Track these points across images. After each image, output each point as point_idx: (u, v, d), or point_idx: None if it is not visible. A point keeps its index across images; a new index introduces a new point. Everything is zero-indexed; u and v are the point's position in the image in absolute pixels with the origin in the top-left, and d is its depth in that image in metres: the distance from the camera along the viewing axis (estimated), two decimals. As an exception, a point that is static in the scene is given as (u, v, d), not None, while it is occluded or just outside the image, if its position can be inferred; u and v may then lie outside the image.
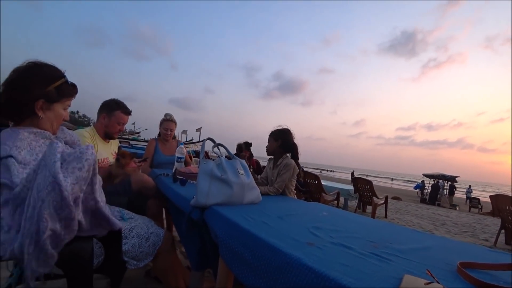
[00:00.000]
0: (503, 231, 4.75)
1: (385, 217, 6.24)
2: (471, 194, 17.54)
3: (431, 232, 5.15)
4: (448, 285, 0.59)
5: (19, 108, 1.02)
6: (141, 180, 1.92)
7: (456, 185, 18.65)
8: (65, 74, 1.10)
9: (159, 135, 2.94)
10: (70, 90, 1.12)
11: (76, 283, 0.93)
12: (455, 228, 6.23)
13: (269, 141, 2.12)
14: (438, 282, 0.59)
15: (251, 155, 5.30)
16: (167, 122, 2.82)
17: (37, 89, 1.02)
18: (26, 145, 0.95)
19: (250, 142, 5.27)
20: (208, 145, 1.52)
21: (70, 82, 1.12)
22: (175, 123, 2.88)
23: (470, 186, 19.38)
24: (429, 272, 0.65)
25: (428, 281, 0.59)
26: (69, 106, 1.16)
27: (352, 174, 28.85)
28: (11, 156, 0.89)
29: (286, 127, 2.13)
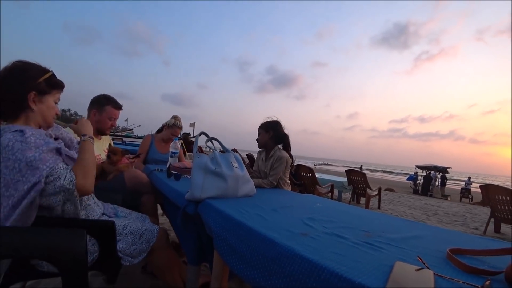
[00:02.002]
0: (492, 219, 4.87)
1: (379, 208, 6.33)
2: (471, 185, 17.72)
3: (423, 222, 5.25)
4: (438, 271, 0.60)
5: (12, 104, 1.07)
6: (134, 176, 1.90)
7: (447, 176, 18.95)
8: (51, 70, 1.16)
9: (158, 131, 2.86)
10: (58, 82, 1.18)
11: (71, 280, 0.92)
12: (447, 217, 6.36)
13: (259, 133, 2.12)
14: (428, 268, 0.61)
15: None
16: (177, 128, 2.72)
17: (28, 82, 1.07)
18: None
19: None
20: (202, 140, 1.51)
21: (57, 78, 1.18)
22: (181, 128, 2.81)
23: (469, 177, 19.67)
24: (420, 259, 0.67)
25: (419, 267, 0.60)
26: (59, 99, 1.21)
27: (361, 168, 30.14)
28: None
29: (275, 119, 2.14)
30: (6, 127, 1.01)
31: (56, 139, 1.23)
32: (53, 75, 1.16)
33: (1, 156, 0.93)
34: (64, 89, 1.22)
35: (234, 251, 0.90)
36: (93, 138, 1.24)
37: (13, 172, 0.93)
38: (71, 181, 1.01)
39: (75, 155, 1.21)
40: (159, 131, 2.86)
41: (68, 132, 1.32)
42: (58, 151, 1.07)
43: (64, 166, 1.03)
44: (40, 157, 0.97)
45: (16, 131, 0.99)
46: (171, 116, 2.76)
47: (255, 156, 2.38)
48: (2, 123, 1.08)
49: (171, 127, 2.70)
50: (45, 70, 1.14)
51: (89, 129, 1.30)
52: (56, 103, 1.19)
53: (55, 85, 1.17)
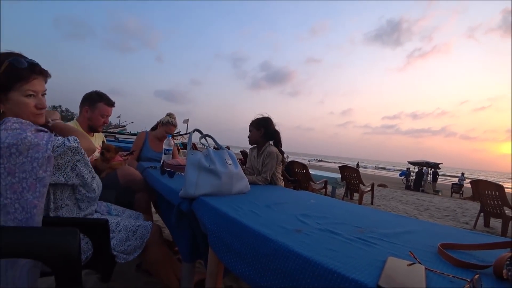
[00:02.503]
0: (482, 214, 4.97)
1: (372, 203, 6.40)
2: (464, 181, 17.94)
3: (416, 217, 5.33)
4: (430, 266, 0.61)
5: None
6: (128, 173, 1.89)
7: (439, 172, 19.25)
8: (16, 57, 0.97)
9: (152, 128, 2.81)
10: (20, 72, 0.97)
11: (65, 279, 0.92)
12: (438, 212, 6.47)
13: (251, 130, 2.12)
14: (420, 263, 0.62)
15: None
16: (171, 126, 2.67)
17: None
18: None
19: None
20: (196, 137, 1.51)
21: (28, 60, 0.99)
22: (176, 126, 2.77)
23: (463, 173, 19.97)
24: (412, 253, 0.68)
25: (410, 262, 0.61)
26: (35, 91, 1.01)
27: (357, 165, 31.06)
28: None
29: (266, 115, 2.14)
30: None
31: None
32: (11, 64, 0.94)
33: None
34: (55, 85, 1.15)
35: (229, 248, 0.90)
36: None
37: (13, 158, 0.88)
38: (75, 139, 1.03)
39: None
40: (153, 128, 2.82)
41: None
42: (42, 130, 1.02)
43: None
44: (35, 134, 0.93)
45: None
46: (165, 114, 2.72)
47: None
48: None
49: (165, 125, 2.66)
50: (0, 61, 0.94)
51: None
52: (30, 95, 1.00)
53: (16, 77, 0.96)
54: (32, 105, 1.01)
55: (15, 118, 0.96)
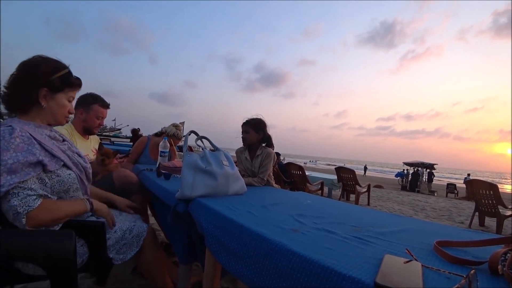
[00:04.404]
0: (477, 213, 5.01)
1: (368, 204, 6.43)
2: None
3: (412, 217, 5.35)
4: (426, 262, 0.62)
5: (23, 99, 1.05)
6: (123, 175, 1.88)
7: (434, 172, 19.42)
8: (69, 67, 1.15)
9: (156, 134, 2.70)
10: (73, 81, 1.16)
11: (60, 283, 0.90)
12: (434, 212, 6.51)
13: (248, 131, 2.06)
14: (416, 260, 0.62)
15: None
16: (176, 140, 2.60)
17: (41, 78, 1.05)
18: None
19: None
20: (192, 140, 1.50)
21: (74, 75, 1.17)
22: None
23: (469, 174, 20.18)
24: (408, 251, 0.68)
25: (407, 260, 0.62)
26: (73, 98, 1.19)
27: (365, 168, 32.24)
28: None
29: (262, 118, 2.12)
30: (6, 121, 1.01)
31: (63, 140, 1.21)
32: (69, 72, 1.14)
33: None
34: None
35: (226, 248, 0.90)
36: (93, 210, 1.19)
37: None
38: (27, 205, 0.94)
39: (80, 160, 1.21)
40: (157, 134, 2.76)
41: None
42: (39, 163, 0.99)
43: (32, 187, 0.97)
44: (11, 167, 0.91)
45: (9, 126, 0.96)
46: (161, 116, 2.65)
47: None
48: (12, 115, 1.09)
49: (170, 137, 2.58)
50: (60, 67, 1.11)
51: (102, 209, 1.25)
52: (69, 101, 1.17)
53: (70, 83, 1.14)
54: (67, 108, 1.17)
55: (24, 131, 0.98)
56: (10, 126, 0.97)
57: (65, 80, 1.12)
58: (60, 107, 1.13)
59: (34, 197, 0.97)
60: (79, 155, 1.25)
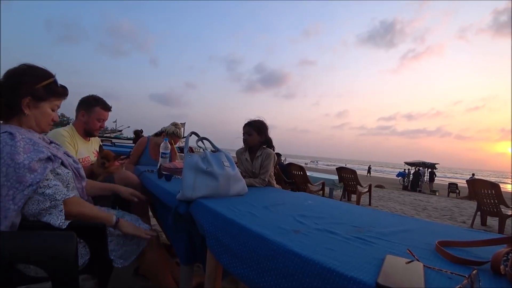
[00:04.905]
0: (479, 213, 5.00)
1: (369, 204, 6.41)
2: None
3: (413, 217, 5.34)
4: (428, 263, 0.61)
5: (6, 107, 1.06)
6: (125, 177, 1.88)
7: (435, 172, 19.38)
8: (55, 76, 1.15)
9: (155, 134, 2.73)
10: (58, 90, 1.16)
11: (61, 285, 0.90)
12: (435, 212, 6.49)
13: (250, 133, 2.05)
14: (418, 260, 0.62)
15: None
16: (176, 138, 2.60)
17: (25, 87, 1.06)
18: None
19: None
20: (193, 141, 1.50)
21: (60, 84, 1.17)
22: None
23: (473, 174, 20.16)
24: (409, 251, 0.68)
25: (409, 260, 0.61)
26: (58, 107, 1.20)
27: (369, 168, 32.01)
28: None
29: (264, 120, 2.12)
30: None
31: (50, 142, 1.22)
32: (54, 82, 1.14)
33: None
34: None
35: (227, 249, 0.90)
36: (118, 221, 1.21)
37: None
38: (64, 194, 1.04)
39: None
40: (157, 134, 2.75)
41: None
42: (49, 159, 1.05)
43: (57, 182, 1.05)
44: (29, 166, 0.96)
45: (5, 132, 0.97)
46: (163, 118, 2.64)
47: None
48: None
49: (170, 136, 2.58)
50: (46, 76, 1.12)
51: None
52: (53, 110, 1.17)
53: (54, 92, 1.14)
54: (51, 117, 1.17)
55: (24, 134, 1.02)
56: (6, 132, 0.98)
57: (49, 90, 1.12)
58: (43, 116, 1.13)
59: (66, 189, 1.08)
60: (68, 155, 1.26)
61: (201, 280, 1.41)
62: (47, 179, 1.02)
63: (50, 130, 1.38)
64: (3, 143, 0.94)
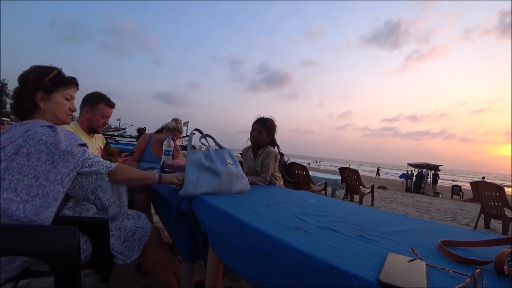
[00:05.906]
0: (482, 215, 4.96)
1: (372, 205, 6.39)
2: None
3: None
4: (430, 262, 0.61)
5: (24, 104, 1.14)
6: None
7: (439, 174, 19.24)
8: (60, 69, 1.22)
9: (157, 131, 2.75)
10: (65, 79, 1.22)
11: (64, 279, 0.91)
12: (438, 214, 6.45)
13: (261, 132, 2.01)
14: (420, 259, 0.62)
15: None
16: (177, 133, 2.62)
17: (34, 83, 1.14)
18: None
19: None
20: (196, 139, 1.50)
21: (68, 75, 1.25)
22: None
23: (483, 177, 20.05)
24: (412, 250, 0.68)
25: (411, 258, 0.61)
26: (72, 97, 1.27)
27: (378, 170, 32.18)
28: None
29: (275, 121, 2.09)
30: (32, 123, 1.08)
31: None
32: (59, 73, 1.20)
33: (34, 148, 0.99)
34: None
35: (229, 246, 0.90)
36: (160, 177, 1.32)
37: (46, 164, 1.00)
38: (106, 166, 1.16)
39: None
40: (158, 131, 2.77)
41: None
42: (84, 144, 1.15)
43: (93, 155, 1.15)
44: (72, 151, 1.05)
45: (45, 126, 1.06)
46: (167, 116, 2.69)
47: None
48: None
49: (171, 131, 2.60)
50: (50, 70, 1.18)
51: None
52: (67, 99, 1.23)
53: (61, 82, 1.21)
54: (67, 106, 1.24)
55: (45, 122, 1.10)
56: (45, 126, 1.07)
57: (56, 81, 1.19)
58: (58, 106, 1.20)
59: (108, 162, 1.18)
60: None
61: (202, 278, 1.41)
62: (89, 158, 1.13)
63: (72, 120, 1.46)
64: (45, 134, 1.02)
